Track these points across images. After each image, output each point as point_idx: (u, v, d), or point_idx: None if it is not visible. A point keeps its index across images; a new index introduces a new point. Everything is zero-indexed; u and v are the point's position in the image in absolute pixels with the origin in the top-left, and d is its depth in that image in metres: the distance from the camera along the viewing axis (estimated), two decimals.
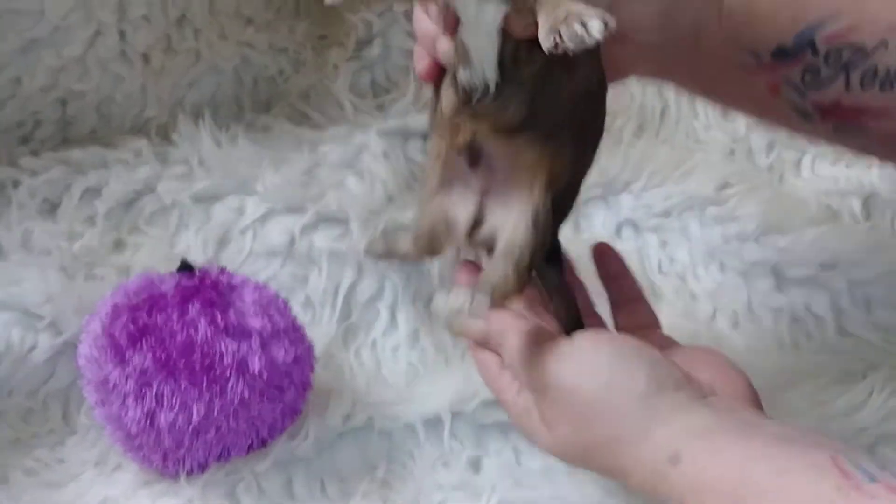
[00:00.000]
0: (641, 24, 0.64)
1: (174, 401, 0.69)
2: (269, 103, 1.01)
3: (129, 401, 0.69)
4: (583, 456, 0.62)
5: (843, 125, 0.70)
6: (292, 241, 0.88)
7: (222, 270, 0.76)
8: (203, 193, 0.90)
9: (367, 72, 1.02)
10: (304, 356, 0.74)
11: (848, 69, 0.67)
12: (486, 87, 0.59)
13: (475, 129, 0.61)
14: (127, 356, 0.70)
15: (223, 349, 0.70)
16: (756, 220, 0.92)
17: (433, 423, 0.78)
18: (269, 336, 0.72)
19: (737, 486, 0.55)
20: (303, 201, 0.89)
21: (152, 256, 0.87)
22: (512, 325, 0.64)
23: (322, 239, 0.88)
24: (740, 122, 1.01)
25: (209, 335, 0.70)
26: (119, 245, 0.88)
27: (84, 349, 0.73)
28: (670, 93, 1.02)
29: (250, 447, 0.73)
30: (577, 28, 0.52)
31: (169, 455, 0.71)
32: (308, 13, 1.03)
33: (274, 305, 0.74)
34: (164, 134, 0.96)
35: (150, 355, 0.69)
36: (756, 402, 0.63)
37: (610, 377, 0.60)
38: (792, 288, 0.89)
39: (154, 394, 0.69)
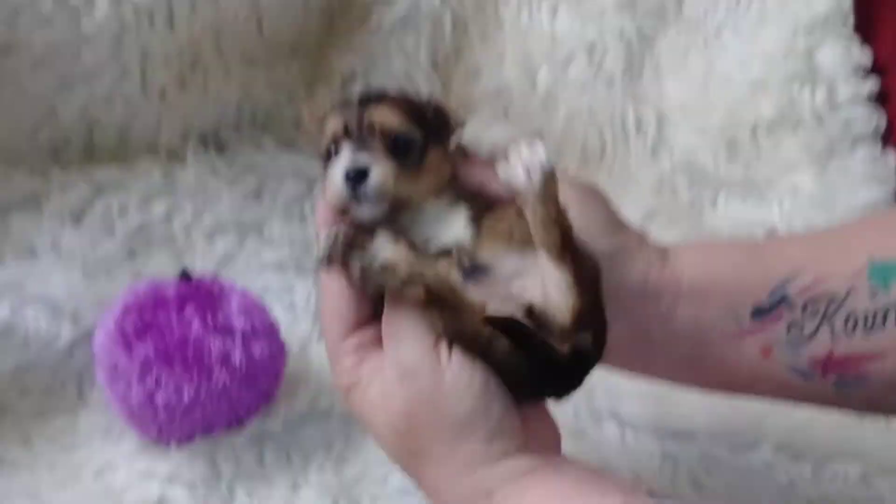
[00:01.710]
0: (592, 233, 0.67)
1: (169, 384, 0.85)
2: (264, 129, 1.17)
3: (134, 383, 0.86)
4: (406, 456, 0.63)
5: (842, 378, 0.70)
6: (284, 262, 1.05)
7: (215, 278, 0.93)
8: (209, 228, 1.06)
9: None
10: (277, 353, 0.91)
11: (828, 318, 0.69)
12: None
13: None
14: (133, 346, 0.86)
15: (211, 344, 0.87)
16: None
17: None
18: (249, 335, 0.88)
19: None
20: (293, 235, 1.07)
21: (160, 265, 1.03)
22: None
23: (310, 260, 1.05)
24: (665, 162, 1.16)
25: (201, 332, 0.87)
26: (132, 254, 1.04)
27: (99, 338, 0.89)
28: (608, 135, 1.18)
29: (230, 425, 0.90)
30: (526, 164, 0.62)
31: (163, 428, 0.87)
32: (302, 55, 1.19)
33: (256, 310, 0.91)
34: (175, 156, 1.12)
35: (152, 347, 0.86)
36: (558, 446, 0.66)
37: (473, 406, 0.61)
38: None
39: (154, 378, 0.85)
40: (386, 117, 0.65)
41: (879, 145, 1.08)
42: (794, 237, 0.77)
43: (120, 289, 0.95)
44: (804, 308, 0.69)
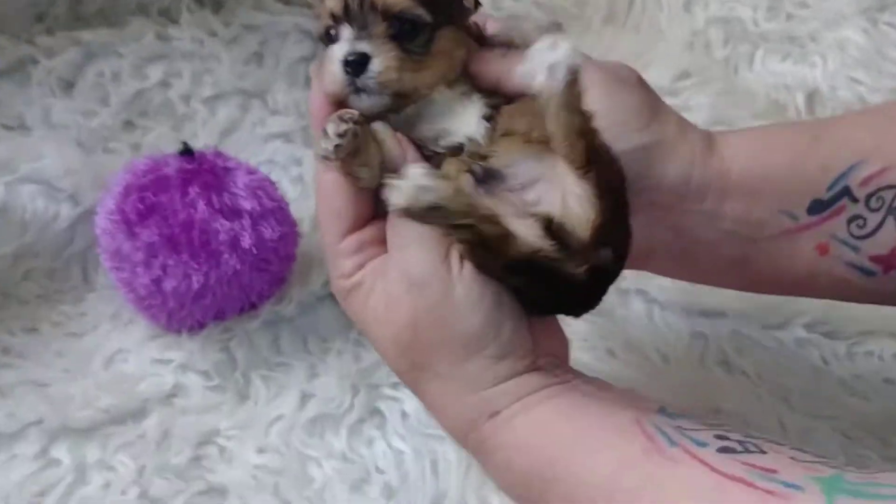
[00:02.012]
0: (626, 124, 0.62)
1: (177, 271, 0.81)
2: None
3: (139, 269, 0.81)
4: (409, 368, 0.60)
5: None
6: (290, 132, 0.99)
7: (218, 153, 0.87)
8: (209, 96, 0.99)
9: None
10: (288, 234, 0.86)
11: (893, 210, 0.63)
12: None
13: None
14: (136, 231, 0.81)
15: (219, 227, 0.82)
16: (707, 111, 1.01)
17: None
18: (258, 216, 0.83)
19: (545, 447, 0.56)
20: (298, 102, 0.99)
21: (159, 138, 0.97)
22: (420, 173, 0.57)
23: None
24: (699, 17, 1.08)
25: (206, 215, 0.82)
26: (129, 126, 0.98)
27: (100, 221, 0.84)
28: None
29: (242, 310, 0.86)
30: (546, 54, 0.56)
31: (173, 315, 0.84)
32: None
33: (263, 189, 0.85)
34: (168, 16, 1.04)
35: (156, 232, 0.81)
36: (566, 357, 0.63)
37: (483, 322, 0.57)
38: None
39: (160, 264, 0.81)
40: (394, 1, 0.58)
41: None
42: (858, 118, 0.67)
43: (118, 164, 0.89)
44: (867, 200, 0.63)
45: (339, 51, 0.58)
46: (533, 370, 0.59)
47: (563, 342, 0.63)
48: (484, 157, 0.59)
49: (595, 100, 0.57)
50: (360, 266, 0.59)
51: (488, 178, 0.58)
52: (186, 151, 0.85)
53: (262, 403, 0.83)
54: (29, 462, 0.77)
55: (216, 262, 0.81)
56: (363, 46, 0.58)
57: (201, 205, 0.82)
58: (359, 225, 0.60)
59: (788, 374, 0.89)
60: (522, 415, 0.57)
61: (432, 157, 0.60)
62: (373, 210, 0.60)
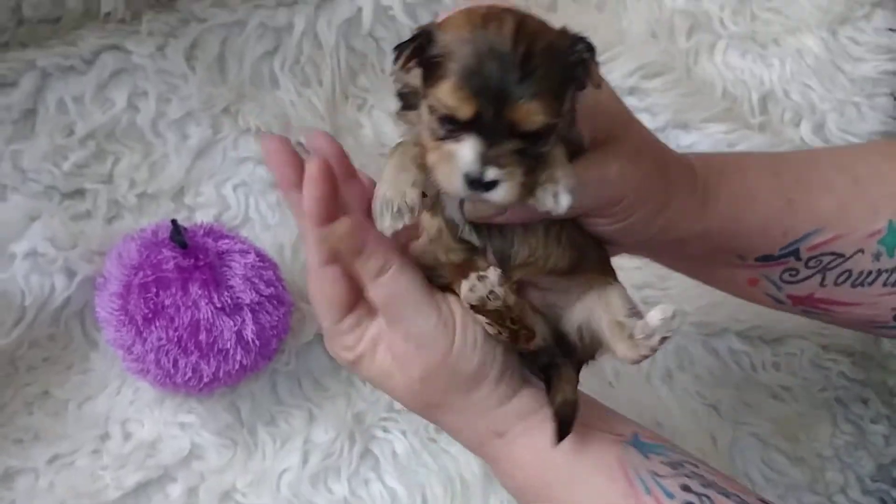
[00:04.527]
0: (634, 232, 0.68)
1: (187, 368, 0.87)
2: None
3: (151, 365, 0.87)
4: (424, 408, 0.69)
5: (810, 310, 0.76)
6: (261, 155, 0.98)
7: (210, 231, 0.89)
8: (176, 117, 0.97)
9: None
10: (285, 313, 0.91)
11: (825, 271, 0.73)
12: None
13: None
14: (145, 334, 0.86)
15: (222, 325, 0.86)
16: (668, 114, 1.05)
17: None
18: (256, 305, 0.88)
19: (542, 470, 0.67)
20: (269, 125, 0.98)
21: (132, 169, 0.96)
22: (398, 258, 0.65)
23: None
24: (666, 3, 1.07)
25: (210, 314, 0.86)
26: (101, 156, 0.96)
27: (102, 314, 0.88)
28: None
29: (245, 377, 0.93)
30: (549, 199, 0.58)
31: (183, 392, 0.91)
32: None
33: (259, 275, 0.89)
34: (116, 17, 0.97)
35: (164, 334, 0.85)
36: None
37: (480, 360, 0.66)
38: None
39: (171, 362, 0.86)
40: (537, 117, 0.56)
41: None
42: (835, 178, 0.74)
43: (103, 228, 0.92)
44: (808, 260, 0.72)
45: (463, 161, 0.56)
46: (530, 385, 0.68)
47: None
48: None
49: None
50: (361, 338, 0.67)
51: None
52: (177, 234, 0.87)
53: (270, 457, 0.93)
54: None
55: (224, 357, 0.87)
56: (493, 174, 0.56)
57: (204, 305, 0.86)
58: (352, 306, 0.67)
59: (721, 386, 1.04)
60: (523, 437, 0.67)
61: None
62: (359, 289, 0.66)
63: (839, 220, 0.72)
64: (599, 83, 0.58)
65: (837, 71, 1.04)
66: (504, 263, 0.65)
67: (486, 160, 0.56)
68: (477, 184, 0.56)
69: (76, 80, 0.95)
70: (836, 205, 0.73)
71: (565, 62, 0.57)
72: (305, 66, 1.02)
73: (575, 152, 0.62)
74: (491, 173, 0.56)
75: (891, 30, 1.02)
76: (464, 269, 0.65)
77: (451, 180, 0.57)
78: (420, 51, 0.58)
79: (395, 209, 0.59)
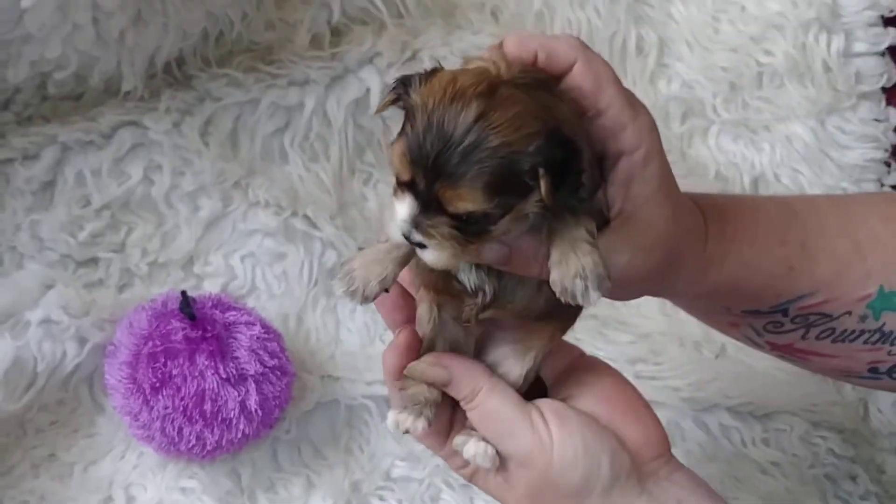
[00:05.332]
0: (635, 281, 0.68)
1: (192, 437, 0.90)
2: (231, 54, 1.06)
3: (156, 433, 0.90)
4: None
5: (788, 357, 0.78)
6: (272, 227, 1.02)
7: (218, 302, 0.93)
8: (189, 190, 1.01)
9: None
10: (287, 383, 0.94)
11: (810, 327, 0.74)
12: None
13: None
14: (152, 402, 0.89)
15: (227, 395, 0.90)
16: None
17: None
18: (260, 376, 0.91)
19: None
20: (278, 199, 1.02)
21: (143, 238, 1.00)
22: (486, 380, 0.67)
23: (299, 223, 1.03)
24: (662, 90, 1.12)
25: (216, 384, 0.89)
26: (115, 227, 1.00)
27: (112, 381, 0.91)
28: (606, 54, 1.10)
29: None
30: (579, 292, 0.60)
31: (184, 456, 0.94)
32: None
33: (264, 346, 0.92)
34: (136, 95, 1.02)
35: (170, 403, 0.89)
36: (664, 441, 0.70)
37: (584, 471, 0.65)
38: None
39: (176, 430, 0.89)
40: (460, 203, 0.58)
41: (883, 103, 1.06)
42: (836, 249, 0.74)
43: (114, 296, 0.95)
44: (795, 317, 0.74)
45: (399, 217, 0.59)
46: (642, 484, 0.67)
47: (648, 420, 0.69)
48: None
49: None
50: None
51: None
52: (186, 306, 0.91)
53: None
54: None
55: (227, 426, 0.90)
56: (418, 237, 0.59)
57: (210, 375, 0.89)
58: (449, 428, 0.70)
59: (711, 461, 1.06)
60: None
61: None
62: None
63: (834, 286, 0.73)
64: (549, 199, 0.58)
65: (826, 157, 1.08)
66: (490, 304, 0.66)
67: (415, 224, 0.59)
68: (410, 241, 0.60)
69: (94, 154, 0.99)
70: (834, 271, 0.74)
71: (517, 167, 0.58)
72: (314, 143, 1.07)
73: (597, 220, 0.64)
74: (417, 237, 0.59)
75: (877, 120, 1.07)
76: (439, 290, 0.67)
77: (393, 230, 0.61)
78: (398, 99, 0.61)
79: (352, 288, 0.63)
